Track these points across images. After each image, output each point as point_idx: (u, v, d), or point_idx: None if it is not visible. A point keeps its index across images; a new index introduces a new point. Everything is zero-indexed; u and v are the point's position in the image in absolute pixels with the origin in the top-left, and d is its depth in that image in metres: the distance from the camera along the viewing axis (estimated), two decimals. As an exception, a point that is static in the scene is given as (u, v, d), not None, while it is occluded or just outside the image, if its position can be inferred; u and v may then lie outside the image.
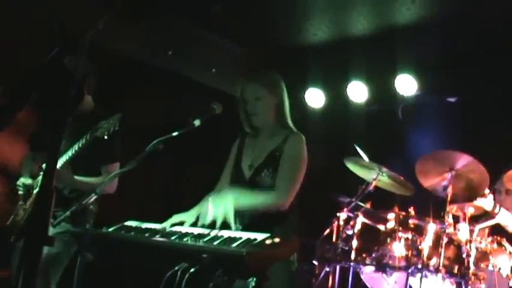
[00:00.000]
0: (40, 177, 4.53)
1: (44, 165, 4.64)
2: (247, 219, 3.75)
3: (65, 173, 4.39)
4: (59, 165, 4.36)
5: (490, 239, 5.52)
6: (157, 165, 6.05)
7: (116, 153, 4.65)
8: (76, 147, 4.35)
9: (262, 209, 3.75)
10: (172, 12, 6.71)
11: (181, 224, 3.70)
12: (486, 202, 5.46)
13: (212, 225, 3.56)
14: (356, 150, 5.94)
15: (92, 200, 3.37)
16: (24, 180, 4.63)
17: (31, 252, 1.55)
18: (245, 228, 3.65)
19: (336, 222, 5.71)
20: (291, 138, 3.94)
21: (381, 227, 5.64)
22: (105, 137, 4.30)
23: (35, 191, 4.54)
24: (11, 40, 5.72)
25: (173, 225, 3.67)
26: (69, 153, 4.38)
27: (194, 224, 3.71)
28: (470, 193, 5.56)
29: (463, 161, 5.38)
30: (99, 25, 1.83)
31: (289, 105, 4.09)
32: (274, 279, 3.52)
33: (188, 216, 3.78)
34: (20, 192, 4.64)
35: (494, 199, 5.51)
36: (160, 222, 3.75)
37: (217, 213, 3.54)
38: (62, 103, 1.66)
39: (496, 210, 5.47)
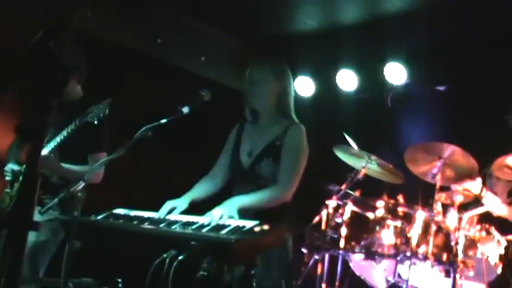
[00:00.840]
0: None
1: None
2: (249, 215, 3.72)
3: (52, 159, 4.36)
4: (46, 151, 4.34)
5: (478, 227, 5.53)
6: (146, 153, 6.02)
7: (104, 142, 4.62)
8: (64, 133, 4.32)
9: (268, 205, 3.74)
10: (161, 0, 6.69)
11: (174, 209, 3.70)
12: (474, 185, 5.47)
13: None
14: (345, 138, 5.94)
15: (80, 187, 3.35)
16: (12, 166, 4.58)
17: (16, 237, 1.54)
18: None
19: (325, 210, 5.70)
20: (292, 129, 3.93)
21: (370, 215, 5.64)
22: (95, 122, 4.27)
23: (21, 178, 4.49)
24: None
25: (169, 212, 3.66)
26: (57, 139, 4.35)
27: (187, 211, 3.70)
28: (460, 179, 5.57)
29: (451, 151, 5.38)
30: (87, 10, 1.81)
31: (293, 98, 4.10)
32: (268, 268, 3.54)
33: (181, 202, 3.77)
34: (8, 179, 4.60)
35: (484, 184, 5.53)
36: (149, 210, 3.74)
37: (221, 214, 3.48)
38: (46, 87, 1.65)
39: (483, 194, 5.49)
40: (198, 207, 3.80)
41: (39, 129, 1.63)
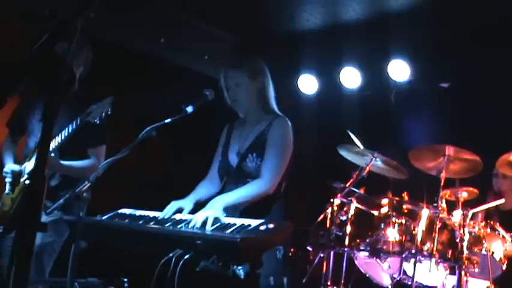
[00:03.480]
0: (27, 164, 4.47)
1: (30, 151, 4.61)
2: (239, 212, 3.72)
3: (52, 159, 4.33)
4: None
5: (483, 223, 5.54)
6: (151, 153, 6.04)
7: (105, 135, 4.61)
8: (65, 132, 4.30)
9: (252, 199, 3.74)
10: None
11: (180, 211, 3.70)
12: None
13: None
14: (349, 136, 5.93)
15: (86, 187, 3.36)
16: (12, 167, 4.52)
17: (25, 239, 1.54)
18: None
19: (330, 208, 5.70)
20: (275, 123, 3.93)
21: (375, 213, 5.65)
22: (97, 122, 4.26)
23: (22, 179, 4.44)
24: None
25: (174, 213, 3.66)
26: (58, 139, 4.32)
27: (192, 212, 3.70)
28: (465, 173, 5.60)
29: (455, 150, 5.39)
30: (90, 11, 1.81)
31: (277, 91, 4.09)
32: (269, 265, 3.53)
33: (186, 203, 3.78)
34: (8, 180, 4.52)
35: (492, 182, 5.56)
36: (154, 209, 3.75)
37: (205, 214, 3.47)
38: (52, 90, 1.65)
39: None
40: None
41: (47, 132, 1.64)
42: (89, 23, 1.88)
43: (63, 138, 4.30)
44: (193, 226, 3.31)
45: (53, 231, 4.34)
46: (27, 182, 4.41)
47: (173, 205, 3.73)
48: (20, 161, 4.60)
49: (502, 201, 5.72)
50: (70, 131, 4.28)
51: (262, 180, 3.76)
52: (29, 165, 4.43)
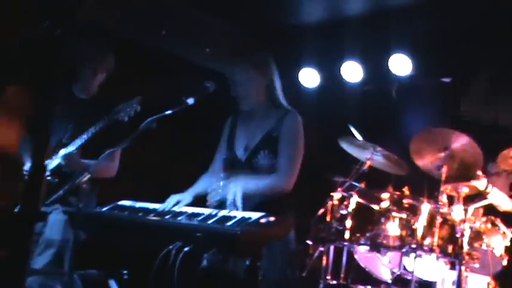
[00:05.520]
0: (47, 162, 4.46)
1: (50, 150, 4.61)
2: (252, 203, 3.71)
3: (74, 157, 4.34)
4: (72, 148, 4.32)
5: (484, 218, 5.54)
6: (151, 144, 6.02)
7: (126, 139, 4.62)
8: (92, 130, 4.30)
9: (268, 192, 3.73)
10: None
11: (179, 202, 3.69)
12: (479, 183, 5.48)
13: (220, 206, 3.53)
14: (350, 130, 5.92)
15: (85, 179, 3.35)
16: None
17: (24, 229, 1.53)
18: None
19: (330, 202, 5.70)
20: (288, 118, 3.92)
21: (375, 207, 5.64)
22: (125, 120, 4.26)
23: None
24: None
25: (173, 205, 3.65)
26: (84, 136, 4.32)
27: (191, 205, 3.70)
28: (464, 173, 5.57)
29: (459, 140, 5.38)
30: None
31: (282, 85, 4.08)
32: (273, 258, 3.53)
33: (186, 196, 3.77)
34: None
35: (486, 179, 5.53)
36: (154, 202, 3.73)
37: (226, 194, 3.49)
38: (53, 79, 1.64)
39: (488, 190, 5.49)
40: (202, 202, 3.79)
41: (45, 121, 1.62)
42: (89, 14, 1.87)
43: (87, 136, 4.30)
44: (195, 217, 3.30)
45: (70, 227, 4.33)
46: (48, 178, 4.40)
47: (172, 198, 3.72)
48: None
49: (487, 201, 5.66)
50: (97, 129, 4.28)
51: (283, 176, 3.77)
52: (50, 164, 4.41)
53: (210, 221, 3.23)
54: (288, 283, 3.77)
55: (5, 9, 5.38)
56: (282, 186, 3.76)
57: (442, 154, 5.48)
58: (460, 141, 5.39)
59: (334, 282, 5.66)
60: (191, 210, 3.49)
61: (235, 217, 3.22)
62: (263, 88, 3.97)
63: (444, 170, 5.43)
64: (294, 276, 3.87)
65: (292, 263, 3.87)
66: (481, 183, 5.47)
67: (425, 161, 5.67)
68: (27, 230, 1.54)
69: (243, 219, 3.17)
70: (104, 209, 3.68)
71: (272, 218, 3.15)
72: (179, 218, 3.34)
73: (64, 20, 1.62)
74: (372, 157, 5.76)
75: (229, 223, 3.14)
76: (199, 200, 3.81)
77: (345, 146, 5.92)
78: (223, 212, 3.35)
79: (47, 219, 1.52)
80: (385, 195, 5.63)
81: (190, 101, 3.78)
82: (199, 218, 3.29)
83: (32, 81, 4.22)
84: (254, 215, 3.20)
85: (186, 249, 3.08)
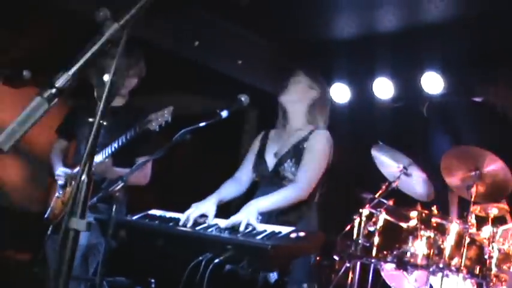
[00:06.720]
0: (78, 168, 4.52)
1: (81, 157, 4.65)
2: (274, 216, 3.73)
3: (106, 164, 4.38)
4: (102, 156, 4.37)
5: (513, 241, 5.50)
6: (181, 154, 6.06)
7: (158, 146, 4.66)
8: (123, 138, 4.33)
9: (286, 204, 3.75)
10: (198, 2, 6.71)
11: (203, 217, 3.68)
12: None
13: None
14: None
15: (119, 187, 3.39)
16: (65, 170, 4.60)
17: (69, 238, 1.56)
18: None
19: (358, 218, 5.70)
20: (316, 133, 4.00)
21: (403, 225, 5.62)
22: (157, 129, 4.30)
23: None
24: (52, 29, 5.74)
25: (196, 223, 3.61)
26: (115, 144, 4.36)
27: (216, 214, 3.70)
28: (494, 194, 5.54)
29: (490, 161, 5.36)
30: (141, 13, 1.83)
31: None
32: (292, 270, 3.53)
33: (209, 207, 3.72)
34: (60, 182, 4.59)
35: None
36: (183, 211, 3.73)
37: (239, 218, 3.46)
38: (100, 93, 1.68)
39: None
40: (223, 210, 3.80)
41: (94, 134, 1.66)
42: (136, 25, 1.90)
43: (118, 144, 4.34)
44: (225, 229, 3.31)
45: (98, 233, 4.38)
46: None
47: (194, 208, 3.65)
48: (68, 167, 4.65)
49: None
50: (128, 138, 4.31)
51: (297, 185, 3.81)
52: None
53: (240, 234, 3.25)
54: None
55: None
56: (298, 197, 3.79)
57: (473, 173, 5.46)
58: (491, 162, 5.36)
59: (360, 298, 5.66)
60: (222, 222, 3.49)
61: (265, 231, 3.23)
62: (310, 103, 4.11)
63: (474, 190, 5.41)
64: None
65: (312, 276, 3.88)
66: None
67: (455, 179, 5.65)
68: (74, 240, 1.57)
69: (273, 233, 3.19)
70: (135, 217, 3.71)
71: (302, 233, 3.16)
72: (210, 230, 3.36)
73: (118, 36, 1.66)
74: (401, 175, 5.76)
75: (260, 237, 3.15)
76: (222, 206, 3.83)
77: (377, 154, 5.92)
78: (253, 226, 3.36)
79: (90, 228, 1.55)
80: (413, 214, 5.62)
81: (224, 113, 3.81)
82: (230, 231, 3.31)
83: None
84: (284, 229, 3.21)
85: (216, 261, 3.10)
